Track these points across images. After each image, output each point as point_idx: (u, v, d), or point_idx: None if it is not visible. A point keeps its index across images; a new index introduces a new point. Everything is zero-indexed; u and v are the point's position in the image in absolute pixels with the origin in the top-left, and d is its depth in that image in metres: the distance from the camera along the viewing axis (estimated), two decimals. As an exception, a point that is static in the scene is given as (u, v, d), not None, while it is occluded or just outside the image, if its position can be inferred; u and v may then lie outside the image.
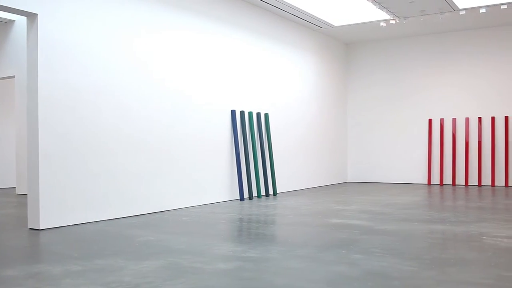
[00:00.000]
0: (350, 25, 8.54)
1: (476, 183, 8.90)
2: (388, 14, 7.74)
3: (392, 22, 8.14)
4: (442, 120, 9.19)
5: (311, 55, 8.82)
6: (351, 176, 10.09)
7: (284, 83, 8.02)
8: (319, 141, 9.02)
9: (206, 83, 6.40)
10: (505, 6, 7.38)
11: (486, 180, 8.82)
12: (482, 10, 7.53)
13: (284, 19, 8.02)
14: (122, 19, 5.26)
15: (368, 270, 2.90)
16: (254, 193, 7.17)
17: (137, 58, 5.43)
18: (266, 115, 7.46)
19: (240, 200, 6.72)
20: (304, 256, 3.28)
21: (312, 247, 3.59)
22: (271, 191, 7.55)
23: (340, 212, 5.47)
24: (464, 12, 7.69)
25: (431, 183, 9.28)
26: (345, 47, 10.11)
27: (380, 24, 8.35)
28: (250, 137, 7.10)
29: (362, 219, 4.92)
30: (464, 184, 8.98)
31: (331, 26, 8.56)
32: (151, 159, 5.55)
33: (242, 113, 6.97)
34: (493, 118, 8.75)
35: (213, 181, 6.48)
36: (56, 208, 4.56)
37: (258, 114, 7.31)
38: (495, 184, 8.74)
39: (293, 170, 8.21)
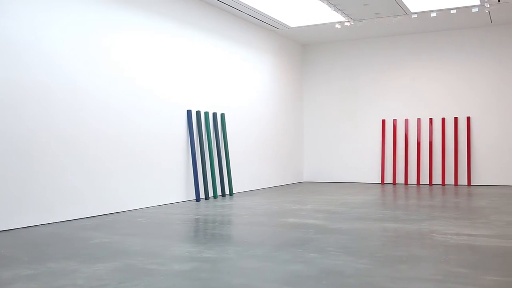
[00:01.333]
0: (306, 26, 8.63)
1: (427, 182, 9.15)
2: (343, 16, 7.86)
3: (347, 24, 8.27)
4: (395, 121, 9.41)
5: (267, 55, 8.86)
6: (307, 176, 10.20)
7: (240, 84, 8.03)
8: (275, 141, 9.08)
9: (162, 82, 6.34)
10: (454, 11, 7.63)
11: (437, 179, 9.08)
12: (433, 14, 7.75)
13: (241, 20, 8.04)
14: (69, 14, 5.15)
15: (323, 268, 2.94)
16: (211, 193, 7.15)
17: (90, 56, 5.32)
18: (223, 115, 7.45)
19: (196, 201, 6.69)
20: (260, 256, 3.30)
21: (268, 246, 3.60)
22: (227, 191, 7.54)
23: (296, 211, 5.52)
24: (416, 15, 7.89)
25: (384, 182, 9.48)
26: (301, 48, 10.20)
27: (335, 26, 8.47)
28: (206, 137, 7.08)
29: (317, 218, 4.98)
30: (416, 183, 9.22)
31: (287, 27, 8.63)
32: (104, 159, 5.45)
33: (198, 113, 6.93)
34: (443, 119, 9.02)
35: (169, 181, 6.42)
36: (3, 210, 4.42)
37: (215, 114, 7.29)
38: (445, 183, 9.00)
39: (249, 170, 8.23)
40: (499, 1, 7.16)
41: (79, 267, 3.05)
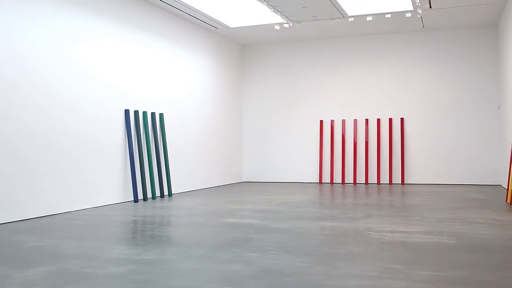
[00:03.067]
0: (245, 27, 8.66)
1: (364, 181, 9.40)
2: (282, 18, 7.95)
3: (286, 25, 8.37)
4: (332, 122, 9.60)
5: (207, 55, 8.82)
6: (247, 175, 10.23)
7: (180, 83, 7.95)
8: (215, 141, 9.06)
9: (98, 81, 6.18)
10: (389, 15, 7.87)
11: (373, 179, 9.35)
12: (369, 18, 7.97)
13: (180, 19, 7.96)
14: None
15: (262, 267, 2.95)
16: (149, 194, 7.04)
17: (18, 53, 5.11)
18: (161, 115, 7.36)
19: (135, 202, 6.57)
20: (200, 256, 3.28)
21: (207, 247, 3.59)
22: (166, 192, 7.45)
23: (235, 211, 5.52)
24: (352, 19, 8.09)
25: (322, 182, 9.65)
26: (240, 49, 10.23)
27: (274, 27, 8.55)
28: (145, 137, 6.97)
29: (256, 218, 5.01)
30: (352, 182, 9.45)
31: (227, 27, 8.63)
32: (38, 160, 5.25)
33: (136, 112, 6.81)
34: (378, 120, 9.29)
35: (106, 182, 6.27)
36: None
37: (153, 114, 7.18)
38: (381, 182, 9.28)
39: (188, 170, 8.17)
40: (430, 7, 7.46)
41: (11, 272, 2.92)
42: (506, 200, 6.15)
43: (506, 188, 7.00)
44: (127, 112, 6.64)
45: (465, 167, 8.84)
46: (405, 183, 9.16)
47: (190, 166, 8.21)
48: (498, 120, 8.60)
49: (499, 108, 8.57)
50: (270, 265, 3.02)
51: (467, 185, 8.58)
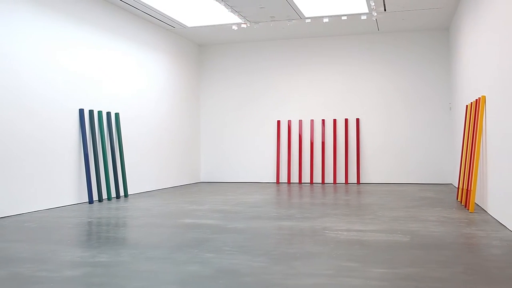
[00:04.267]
0: (203, 26, 8.62)
1: (320, 181, 9.51)
2: (240, 18, 7.95)
3: (244, 26, 8.38)
4: (289, 122, 9.68)
5: (164, 55, 8.74)
6: (204, 176, 10.19)
7: (136, 82, 7.85)
8: (172, 141, 8.98)
9: (51, 80, 6.03)
10: (345, 17, 7.99)
11: (329, 178, 9.46)
12: (326, 20, 8.07)
13: (137, 18, 7.85)
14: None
15: (220, 268, 2.95)
16: (105, 195, 6.92)
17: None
18: (117, 115, 7.24)
19: (89, 203, 6.44)
20: (157, 258, 3.24)
21: (164, 248, 3.55)
22: (122, 193, 7.34)
23: (192, 212, 5.49)
24: (309, 20, 8.17)
25: (280, 181, 9.71)
26: (198, 48, 10.18)
27: (232, 27, 8.55)
28: (100, 137, 6.84)
29: (214, 218, 4.99)
30: (309, 182, 9.54)
31: (184, 26, 8.57)
32: (-13, 161, 5.08)
33: (91, 112, 6.68)
34: (335, 120, 9.42)
35: (59, 183, 6.12)
36: None
37: (109, 114, 7.06)
38: (337, 182, 9.41)
39: (145, 171, 8.07)
40: (385, 10, 7.62)
41: (-43, 277, 2.82)
42: (457, 199, 6.34)
43: (457, 186, 7.23)
44: (81, 111, 6.51)
45: (418, 167, 9.07)
46: (360, 182, 9.32)
47: (146, 167, 8.12)
48: (450, 121, 8.86)
49: (450, 109, 8.83)
50: (227, 265, 3.02)
51: (420, 184, 8.80)
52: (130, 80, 7.69)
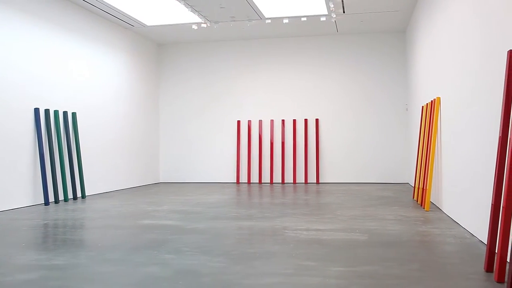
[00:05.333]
0: (162, 25, 8.54)
1: (280, 181, 9.56)
2: (200, 18, 7.92)
3: (204, 25, 8.34)
4: (249, 122, 9.69)
5: (122, 53, 8.62)
6: (164, 176, 10.10)
7: (93, 81, 7.71)
8: (130, 141, 8.86)
9: (4, 79, 5.86)
10: (305, 19, 8.07)
11: (289, 178, 9.53)
12: (285, 21, 8.12)
13: (94, 15, 7.72)
14: None
15: (179, 269, 2.93)
16: (61, 197, 6.77)
17: None
18: (74, 114, 7.10)
19: (45, 205, 6.29)
20: (115, 260, 3.19)
21: (122, 249, 3.50)
22: (79, 194, 7.20)
23: (151, 213, 5.44)
24: (269, 21, 8.21)
25: (240, 182, 9.72)
26: (157, 47, 10.08)
27: (192, 27, 8.50)
28: (56, 137, 6.69)
29: (173, 219, 4.95)
30: (269, 182, 9.58)
31: (143, 25, 8.47)
32: None
33: (47, 111, 6.52)
34: (294, 121, 9.49)
35: (14, 184, 5.95)
36: None
37: (65, 113, 6.91)
38: (296, 182, 9.48)
39: (103, 171, 7.93)
40: (344, 12, 7.72)
41: None
42: (413, 198, 6.49)
43: (413, 186, 7.40)
44: (37, 111, 6.35)
45: (376, 166, 9.24)
46: (320, 182, 9.42)
47: (104, 167, 7.98)
48: (406, 121, 9.06)
49: (406, 110, 9.03)
50: (186, 266, 3.00)
51: (377, 184, 8.97)
52: (88, 79, 7.55)
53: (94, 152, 7.70)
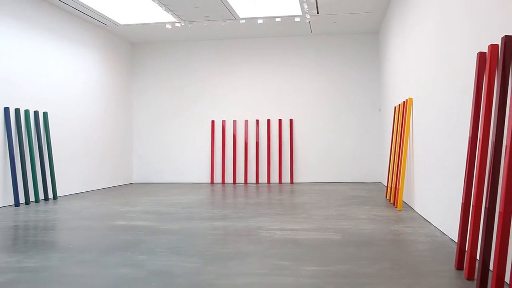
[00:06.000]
0: (136, 24, 8.46)
1: (254, 181, 9.57)
2: (174, 17, 7.87)
3: (178, 25, 8.30)
4: (223, 122, 9.68)
5: (95, 53, 8.51)
6: (137, 177, 10.01)
7: (65, 80, 7.59)
8: (103, 141, 8.76)
9: (-26, 76, 5.74)
10: (279, 19, 8.09)
11: (263, 178, 9.54)
12: (260, 21, 8.14)
13: (66, 14, 7.60)
14: None
15: (152, 270, 2.91)
16: (32, 198, 6.65)
17: None
18: (45, 114, 6.99)
19: (16, 206, 6.17)
20: (87, 261, 3.15)
21: (95, 251, 3.46)
22: (51, 195, 7.08)
23: (125, 213, 5.39)
24: (244, 21, 8.21)
25: (214, 182, 9.69)
26: (131, 47, 9.99)
27: (166, 26, 8.45)
28: (27, 137, 6.57)
29: (147, 219, 4.92)
30: (243, 182, 9.58)
31: (116, 24, 8.38)
32: None
33: (17, 111, 6.40)
34: (269, 121, 9.51)
35: (-18, 185, 5.83)
36: None
37: (36, 113, 6.79)
38: (271, 182, 9.50)
39: (75, 172, 7.83)
40: (318, 13, 7.77)
41: None
42: (386, 197, 6.57)
43: (386, 185, 7.48)
44: (6, 110, 6.23)
45: (349, 166, 9.32)
46: (294, 182, 9.46)
47: (77, 168, 7.87)
48: (379, 121, 9.16)
49: (379, 110, 9.13)
50: (160, 267, 2.98)
51: (351, 183, 9.04)
52: (59, 78, 7.44)
53: (66, 152, 7.59)
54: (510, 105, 2.33)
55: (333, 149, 9.37)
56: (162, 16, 7.89)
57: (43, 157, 6.83)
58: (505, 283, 2.45)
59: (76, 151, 7.87)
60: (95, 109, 8.46)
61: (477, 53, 2.85)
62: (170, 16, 7.81)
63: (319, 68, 9.45)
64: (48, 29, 7.17)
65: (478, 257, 2.82)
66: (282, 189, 8.19)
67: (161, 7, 7.27)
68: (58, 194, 7.33)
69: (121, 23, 8.33)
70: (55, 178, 7.11)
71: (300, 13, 7.81)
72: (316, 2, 7.20)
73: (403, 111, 5.77)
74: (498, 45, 2.64)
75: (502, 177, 2.33)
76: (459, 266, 2.85)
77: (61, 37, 7.48)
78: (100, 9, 7.49)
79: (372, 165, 9.23)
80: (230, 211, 5.43)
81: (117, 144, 9.29)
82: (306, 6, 7.26)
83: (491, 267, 2.69)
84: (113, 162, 9.11)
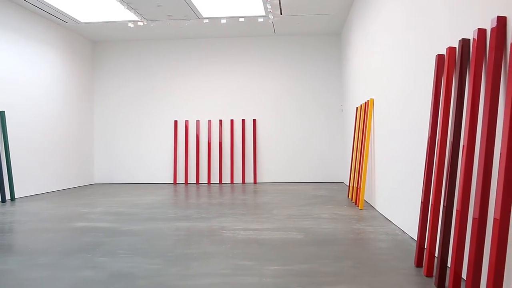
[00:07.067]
0: (97, 22, 8.33)
1: (218, 181, 9.54)
2: (136, 16, 7.78)
3: (140, 24, 8.21)
4: (186, 122, 9.62)
5: (55, 51, 8.33)
6: (98, 177, 9.85)
7: (23, 79, 7.40)
8: (63, 141, 8.58)
9: None
10: (242, 19, 8.10)
11: (226, 178, 9.53)
12: (223, 21, 8.12)
13: (24, 10, 7.41)
14: None
15: (114, 272, 2.87)
16: (-12, 199, 6.47)
17: None
18: (2, 113, 6.80)
19: (-30, 208, 5.99)
20: (46, 264, 3.08)
21: (55, 253, 3.39)
22: (8, 196, 6.90)
23: (85, 215, 5.29)
24: (207, 21, 8.18)
25: (177, 182, 9.62)
26: (92, 45, 9.82)
27: (128, 24, 8.34)
28: (-17, 137, 6.39)
29: (108, 221, 4.84)
30: (207, 182, 9.54)
31: (77, 22, 8.22)
32: None
33: (-27, 110, 6.21)
34: (232, 121, 9.50)
35: None
36: None
37: (-7, 112, 6.61)
38: (234, 182, 9.49)
39: (34, 172, 7.64)
40: (281, 13, 7.81)
41: None
42: (348, 196, 6.65)
43: (348, 185, 7.58)
44: (-39, 109, 6.04)
45: (312, 166, 9.40)
46: (257, 182, 9.48)
47: (36, 168, 7.69)
48: (341, 122, 9.28)
49: (341, 111, 9.24)
50: (122, 269, 2.94)
51: (313, 183, 9.12)
52: (17, 76, 7.25)
53: (24, 152, 7.40)
54: (467, 106, 2.39)
55: (296, 149, 9.44)
56: (124, 14, 7.78)
57: (0, 157, 6.65)
58: (462, 279, 2.52)
59: (35, 151, 7.68)
60: (55, 109, 8.28)
61: (436, 56, 2.92)
62: (133, 14, 7.71)
63: (283, 68, 9.51)
64: (5, 26, 6.98)
65: (436, 254, 2.89)
66: (245, 189, 8.20)
67: (123, 5, 7.17)
68: (16, 196, 7.14)
69: (82, 21, 8.18)
70: (13, 179, 6.92)
71: (264, 14, 7.84)
72: (280, 3, 7.24)
73: (364, 112, 5.86)
74: (455, 48, 2.71)
75: (460, 177, 2.39)
76: (419, 263, 2.91)
77: (19, 34, 7.29)
78: (60, 6, 7.34)
79: (335, 165, 9.33)
80: (193, 212, 5.40)
81: (78, 144, 9.12)
82: (270, 7, 7.28)
83: (449, 264, 2.76)
84: (74, 163, 8.94)
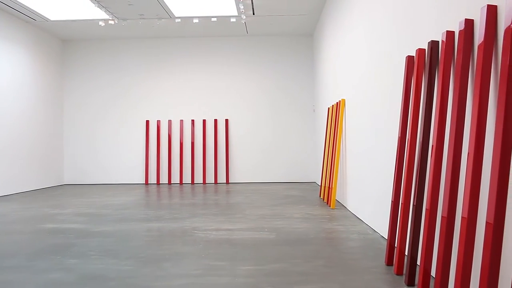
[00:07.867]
0: (67, 20, 8.19)
1: (190, 181, 9.50)
2: (107, 14, 7.69)
3: (111, 22, 8.11)
4: (158, 122, 9.55)
5: (22, 49, 8.17)
6: (68, 178, 9.69)
7: (-9, 78, 7.25)
8: (31, 141, 8.42)
9: None
10: (215, 19, 8.08)
11: (199, 178, 9.49)
12: (195, 21, 8.09)
13: (-9, 7, 7.26)
14: None
15: (84, 274, 2.83)
16: (-47, 201, 6.30)
17: None
18: (-31, 112, 6.65)
19: None
20: (14, 267, 3.02)
21: (22, 256, 3.32)
22: (-26, 198, 6.75)
23: (54, 216, 5.21)
24: (179, 20, 8.14)
25: (149, 182, 9.55)
26: (61, 44, 9.66)
27: (99, 23, 8.23)
28: None
29: (78, 222, 4.78)
30: (179, 182, 9.49)
31: (46, 19, 8.08)
32: None
33: None
34: (204, 121, 9.47)
35: None
36: None
37: (-41, 111, 6.44)
38: (206, 182, 9.47)
39: (1, 173, 7.47)
40: (253, 14, 7.82)
41: None
42: (320, 196, 6.70)
43: (320, 184, 7.64)
44: None
45: (284, 166, 9.44)
46: (229, 182, 9.47)
47: (2, 168, 7.52)
48: (313, 122, 9.34)
49: (313, 111, 9.30)
50: (92, 270, 2.90)
51: (285, 183, 9.16)
52: (-16, 75, 7.09)
53: (-9, 152, 7.24)
54: (436, 107, 2.43)
55: (268, 149, 9.46)
56: (94, 12, 7.68)
57: (-35, 158, 6.49)
58: (431, 276, 2.56)
59: (2, 151, 7.52)
60: (22, 108, 8.12)
61: (406, 57, 2.96)
62: (103, 13, 7.62)
63: (256, 69, 9.52)
64: (-28, 23, 6.82)
65: (406, 253, 2.93)
66: (218, 189, 8.18)
67: (94, 3, 7.08)
68: (-17, 197, 6.99)
69: (51, 18, 8.04)
70: (-21, 180, 6.77)
71: (236, 14, 7.83)
72: (252, 3, 7.24)
73: (336, 112, 5.91)
74: (425, 49, 2.75)
75: (429, 176, 2.43)
76: (389, 262, 2.95)
77: (-15, 32, 7.14)
78: (28, 3, 7.20)
79: (307, 165, 9.39)
80: (165, 212, 5.37)
81: (46, 144, 8.96)
82: (242, 7, 7.28)
83: (418, 262, 2.80)
84: (42, 163, 8.78)
